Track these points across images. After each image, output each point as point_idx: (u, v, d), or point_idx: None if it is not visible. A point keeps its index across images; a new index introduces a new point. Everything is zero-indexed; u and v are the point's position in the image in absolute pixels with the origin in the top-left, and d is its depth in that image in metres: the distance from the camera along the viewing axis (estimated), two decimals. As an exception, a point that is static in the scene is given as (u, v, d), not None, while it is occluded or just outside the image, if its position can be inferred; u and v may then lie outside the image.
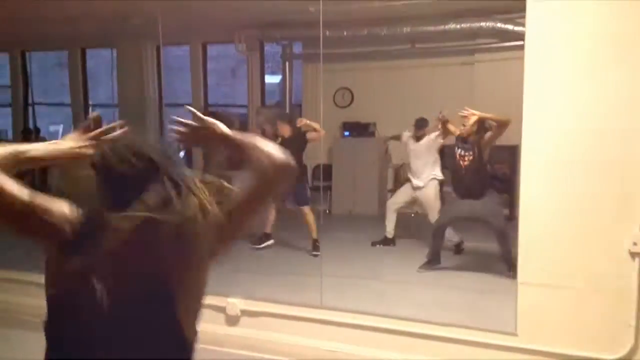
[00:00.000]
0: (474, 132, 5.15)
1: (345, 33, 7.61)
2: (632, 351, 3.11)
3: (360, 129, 8.33)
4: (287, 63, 8.80)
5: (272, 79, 9.82)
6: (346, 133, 8.40)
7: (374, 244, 6.24)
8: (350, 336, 3.75)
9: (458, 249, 5.96)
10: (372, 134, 8.30)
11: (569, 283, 3.16)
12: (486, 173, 5.37)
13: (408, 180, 6.23)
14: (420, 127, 6.11)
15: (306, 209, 5.96)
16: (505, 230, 5.00)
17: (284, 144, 5.80)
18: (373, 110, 8.13)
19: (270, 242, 6.09)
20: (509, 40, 6.92)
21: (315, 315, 3.86)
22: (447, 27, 7.31)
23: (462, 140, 5.25)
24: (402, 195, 6.27)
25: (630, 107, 3.05)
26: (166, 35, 5.60)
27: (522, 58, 3.26)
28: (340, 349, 3.72)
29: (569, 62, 3.16)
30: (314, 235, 5.91)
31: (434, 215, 5.83)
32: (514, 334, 3.32)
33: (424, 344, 3.58)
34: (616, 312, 3.12)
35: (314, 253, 5.76)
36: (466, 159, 5.21)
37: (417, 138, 6.14)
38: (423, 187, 6.03)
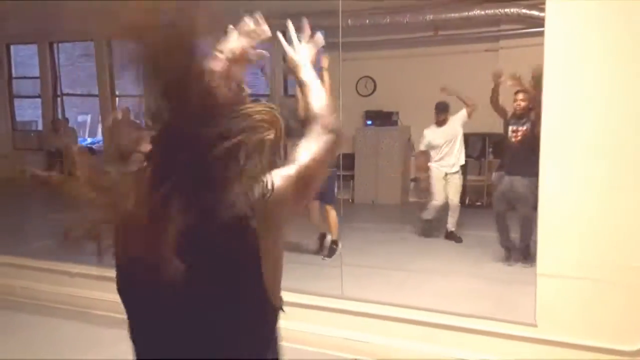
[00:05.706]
0: (527, 108, 5.01)
1: (367, 21, 7.59)
2: (651, 343, 3.09)
3: (382, 118, 8.30)
4: (309, 52, 8.78)
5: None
6: (369, 122, 8.38)
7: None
8: (370, 326, 3.78)
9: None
10: (395, 123, 8.27)
11: (588, 274, 3.13)
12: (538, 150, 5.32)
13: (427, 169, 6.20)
14: (442, 111, 6.02)
15: (331, 208, 5.40)
16: (533, 216, 5.01)
17: None
18: (396, 99, 8.09)
19: None
20: (534, 27, 6.78)
21: (336, 305, 3.89)
22: (470, 13, 7.24)
23: (516, 115, 5.12)
24: (441, 188, 6.06)
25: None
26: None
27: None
28: (360, 339, 3.75)
29: (590, 49, 3.09)
30: (334, 236, 5.43)
31: (456, 199, 6.00)
32: (534, 325, 3.32)
33: (444, 333, 3.59)
34: (634, 304, 3.10)
35: (326, 257, 5.37)
36: (519, 133, 5.08)
37: (439, 123, 6.05)
38: (452, 173, 6.04)
